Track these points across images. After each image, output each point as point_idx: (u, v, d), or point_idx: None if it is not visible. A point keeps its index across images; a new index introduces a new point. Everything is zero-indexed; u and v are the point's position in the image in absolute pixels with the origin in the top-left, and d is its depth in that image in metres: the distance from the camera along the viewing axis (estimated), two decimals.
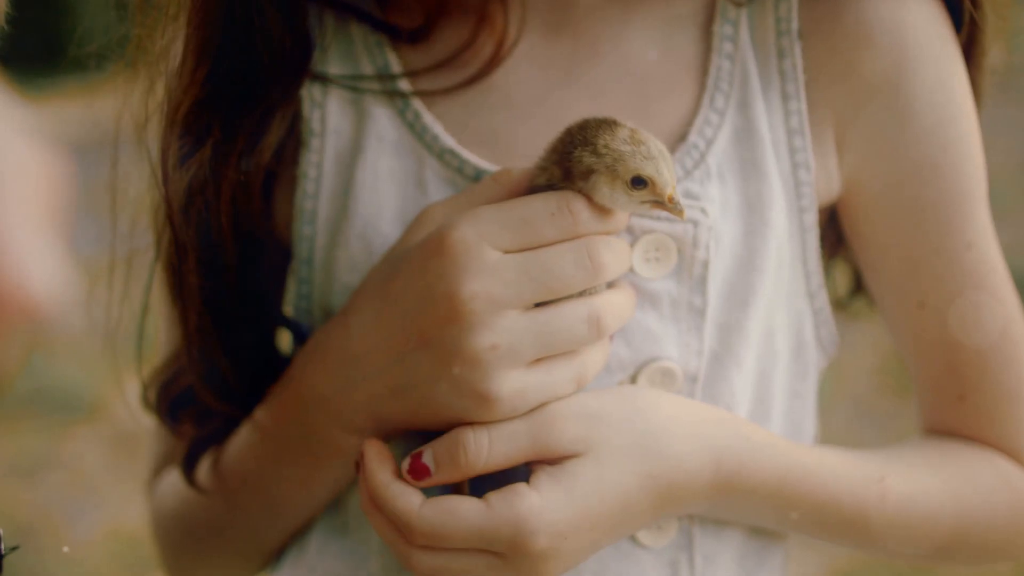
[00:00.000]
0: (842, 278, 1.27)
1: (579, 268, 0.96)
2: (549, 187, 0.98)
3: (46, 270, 0.39)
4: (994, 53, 1.16)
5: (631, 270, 1.03)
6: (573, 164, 0.97)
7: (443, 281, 0.95)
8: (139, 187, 1.16)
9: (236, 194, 1.08)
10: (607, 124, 0.98)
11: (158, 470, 1.29)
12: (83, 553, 3.39)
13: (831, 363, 1.21)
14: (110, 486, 3.66)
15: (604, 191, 0.96)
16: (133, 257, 1.20)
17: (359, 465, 1.01)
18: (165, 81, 1.11)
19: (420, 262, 0.97)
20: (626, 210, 0.98)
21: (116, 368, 1.28)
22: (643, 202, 0.97)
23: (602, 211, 0.98)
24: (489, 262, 0.94)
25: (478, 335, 0.94)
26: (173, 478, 1.24)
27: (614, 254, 0.98)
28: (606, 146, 0.96)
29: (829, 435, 1.22)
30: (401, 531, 0.98)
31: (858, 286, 1.25)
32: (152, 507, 1.28)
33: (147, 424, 1.27)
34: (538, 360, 0.97)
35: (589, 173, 0.96)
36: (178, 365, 1.17)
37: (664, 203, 0.97)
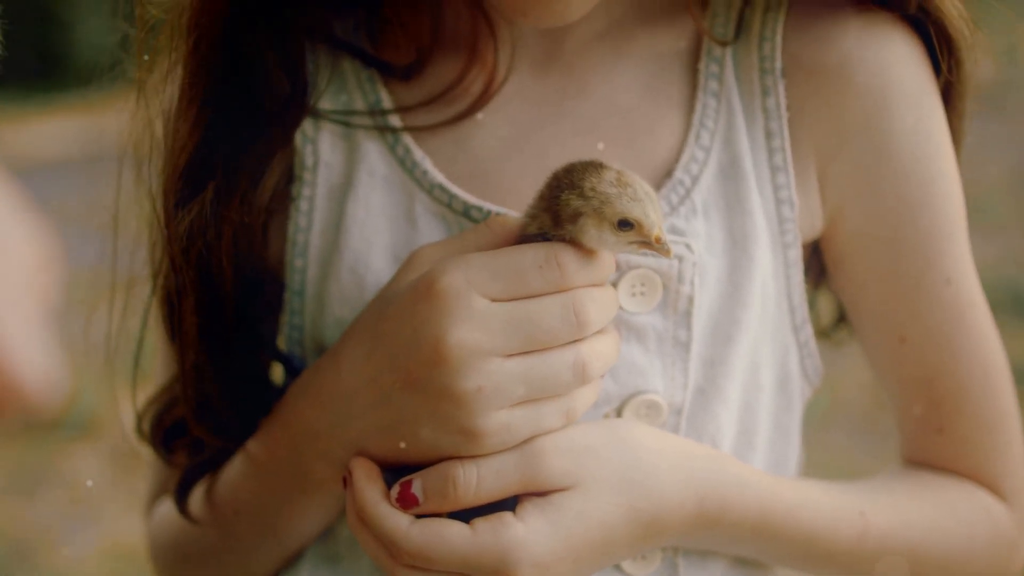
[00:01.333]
0: (826, 307, 1.29)
1: (564, 323, 0.97)
2: (540, 235, 0.99)
3: (36, 357, 0.39)
4: (985, 70, 1.18)
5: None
6: (560, 207, 0.98)
7: (430, 326, 0.96)
8: (139, 211, 1.17)
9: (237, 235, 1.09)
10: (593, 167, 0.99)
11: (155, 497, 1.30)
12: (80, 569, 3.38)
13: (826, 381, 1.22)
14: (107, 503, 3.65)
15: (592, 233, 0.97)
16: (132, 283, 1.21)
17: (346, 482, 1.03)
18: (164, 124, 1.12)
19: (410, 305, 0.98)
20: (613, 251, 1.00)
21: (113, 388, 1.29)
22: (630, 243, 0.98)
23: (590, 260, 0.99)
24: (476, 310, 0.96)
25: (464, 379, 0.95)
26: (167, 508, 1.25)
27: (599, 308, 0.99)
28: (592, 189, 0.97)
29: (825, 452, 1.23)
30: (388, 549, 0.99)
31: (842, 316, 1.27)
32: (149, 534, 1.29)
33: (143, 445, 1.27)
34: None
35: (576, 216, 0.97)
36: (171, 396, 1.18)
37: (651, 244, 0.98)
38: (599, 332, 1.00)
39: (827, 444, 1.18)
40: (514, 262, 0.97)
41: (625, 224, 0.97)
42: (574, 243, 0.98)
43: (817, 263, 1.18)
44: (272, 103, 1.09)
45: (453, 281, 0.96)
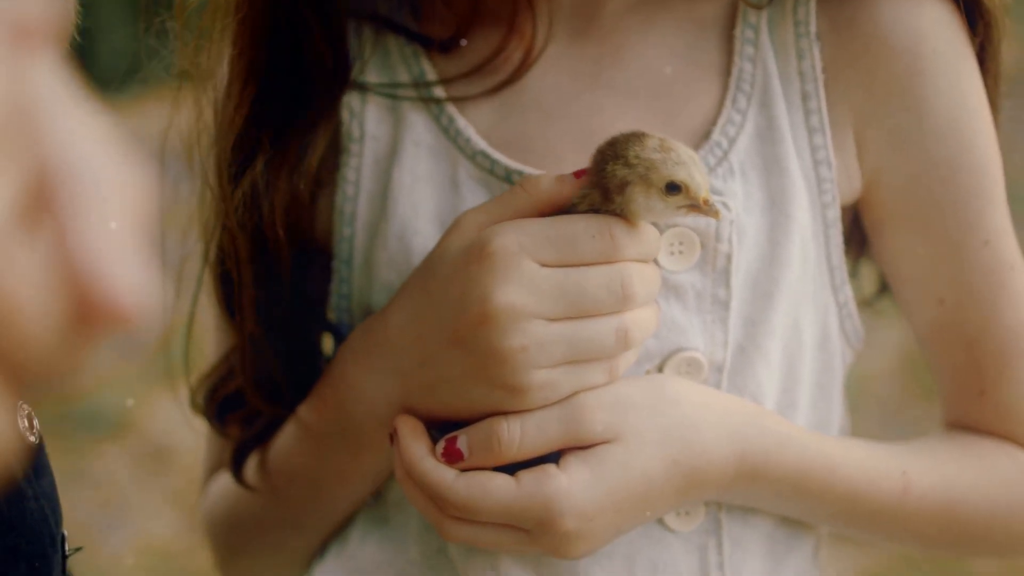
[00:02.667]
0: (869, 279, 1.29)
1: (610, 294, 0.99)
2: (592, 211, 1.02)
3: (136, 279, 0.41)
4: (1010, 57, 1.19)
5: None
6: (607, 179, 1.00)
7: (479, 285, 0.98)
8: (186, 204, 1.20)
9: (289, 205, 1.12)
10: (635, 136, 1.01)
11: (209, 475, 1.33)
12: (115, 568, 3.41)
13: (856, 366, 1.23)
14: (140, 502, 3.68)
15: (640, 200, 0.99)
16: (182, 269, 1.24)
17: (392, 438, 1.05)
18: (213, 102, 1.16)
19: (462, 266, 1.01)
20: (662, 217, 1.02)
21: (145, 387, 1.32)
22: (679, 207, 1.00)
23: (640, 235, 1.01)
24: (526, 273, 0.98)
25: (508, 337, 0.98)
26: (222, 482, 1.28)
27: (645, 284, 1.01)
28: (637, 156, 0.99)
29: (853, 435, 1.23)
30: (435, 502, 1.02)
31: (884, 287, 1.28)
32: (205, 511, 1.32)
33: (183, 437, 1.30)
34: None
35: (624, 185, 0.99)
36: (225, 370, 1.21)
37: (699, 206, 1.00)
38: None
39: (857, 432, 1.21)
40: (567, 230, 1.00)
41: (672, 188, 0.99)
42: (624, 217, 1.01)
43: (858, 234, 1.20)
44: (317, 76, 1.13)
45: (506, 244, 0.98)
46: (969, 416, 1.19)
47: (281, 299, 1.15)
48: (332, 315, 1.19)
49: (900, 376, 3.44)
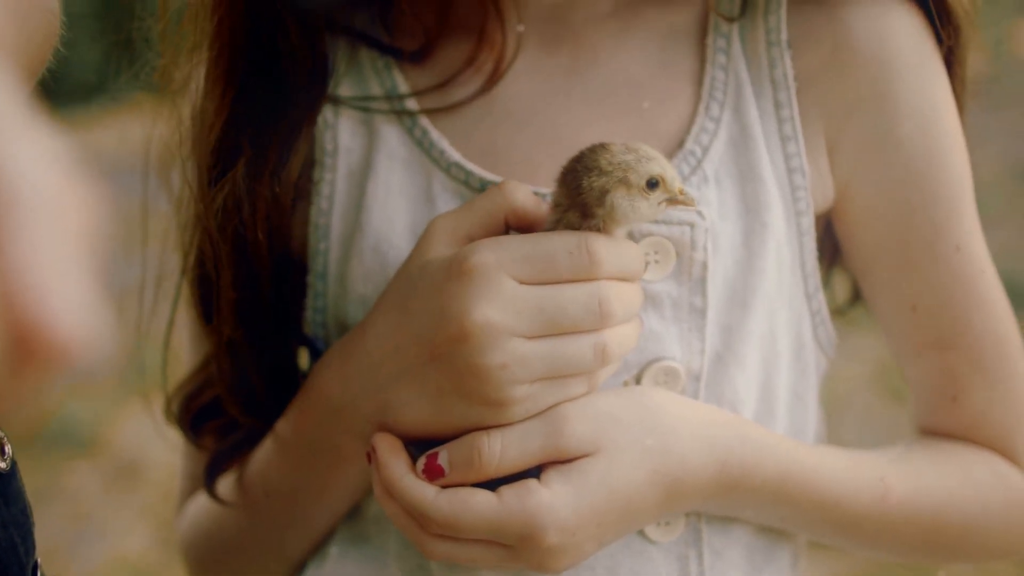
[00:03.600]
0: (841, 287, 1.30)
1: (588, 312, 0.99)
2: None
3: (78, 307, 0.39)
4: (977, 62, 1.20)
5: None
6: (586, 194, 0.99)
7: (457, 302, 0.98)
8: (163, 216, 1.19)
9: (270, 209, 1.12)
10: (600, 146, 1.01)
11: (186, 496, 1.32)
12: None
13: (831, 372, 1.23)
14: (111, 517, 3.65)
15: (623, 205, 0.99)
16: (160, 281, 1.23)
17: (370, 457, 1.05)
18: (192, 107, 1.15)
19: (440, 282, 1.00)
20: (647, 217, 1.02)
21: (115, 403, 1.31)
22: (659, 203, 1.00)
23: (621, 250, 1.01)
24: (504, 290, 0.98)
25: (487, 355, 0.97)
26: (200, 501, 1.27)
27: (624, 302, 1.01)
28: (609, 163, 0.99)
29: (829, 443, 1.24)
30: (416, 519, 1.01)
31: (857, 296, 1.28)
32: (181, 531, 1.31)
33: (154, 452, 1.29)
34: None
35: (604, 194, 0.99)
36: (201, 379, 1.20)
37: (677, 197, 1.00)
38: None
39: (833, 439, 1.21)
40: (545, 247, 0.99)
41: (652, 184, 0.99)
42: (607, 229, 1.00)
43: (830, 243, 1.20)
44: (296, 78, 1.12)
45: (484, 261, 0.98)
46: (942, 421, 1.19)
47: (259, 304, 1.14)
48: (308, 330, 1.18)
49: (873, 383, 3.46)
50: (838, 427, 1.25)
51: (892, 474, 1.13)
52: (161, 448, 1.36)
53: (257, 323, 1.15)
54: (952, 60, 1.16)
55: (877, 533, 1.13)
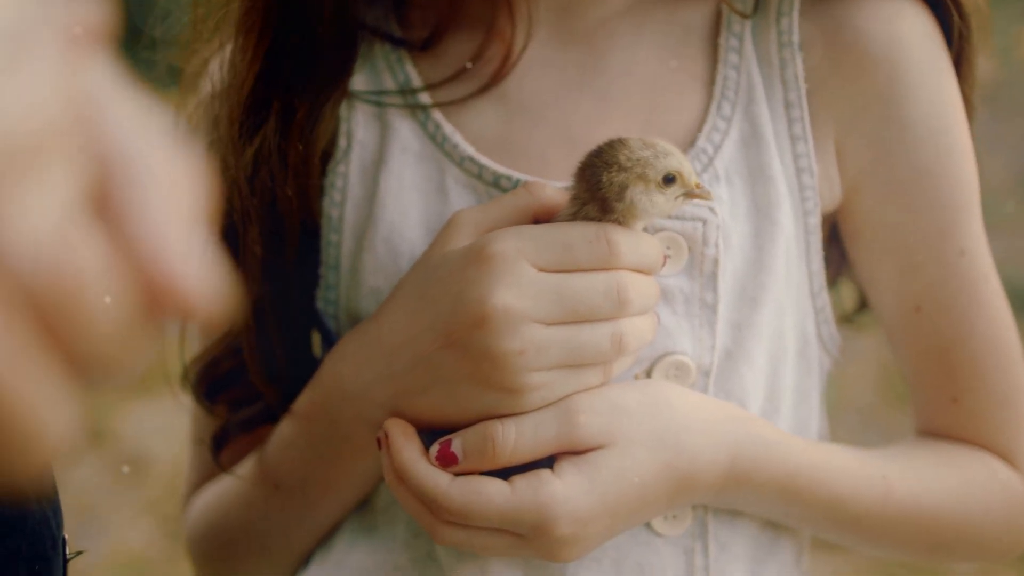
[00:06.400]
0: (849, 297, 1.31)
1: (606, 299, 1.00)
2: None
3: (199, 269, 0.42)
4: (985, 68, 1.20)
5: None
6: (606, 189, 1.01)
7: (476, 287, 0.99)
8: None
9: (298, 167, 1.13)
10: (618, 142, 1.03)
11: (193, 489, 1.32)
12: None
13: (832, 373, 1.24)
14: (115, 511, 3.67)
15: (642, 200, 1.01)
16: None
17: (381, 442, 1.05)
18: (220, 67, 1.17)
19: (459, 268, 1.01)
20: (665, 211, 1.03)
21: (117, 399, 1.31)
22: (676, 197, 1.02)
23: (639, 242, 1.02)
24: (524, 276, 0.99)
25: (505, 340, 0.98)
26: (208, 493, 1.28)
27: (640, 293, 1.02)
28: (628, 159, 1.01)
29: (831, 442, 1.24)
30: (427, 506, 1.02)
31: (863, 304, 1.29)
32: (188, 524, 1.32)
33: (158, 446, 1.29)
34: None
35: (623, 189, 1.00)
36: (223, 347, 1.21)
37: (694, 191, 1.02)
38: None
39: (833, 440, 1.22)
40: (565, 235, 1.01)
41: (669, 179, 1.01)
42: (626, 223, 1.02)
43: (836, 251, 1.21)
44: (325, 36, 1.13)
45: (504, 248, 0.99)
46: (942, 423, 1.21)
47: (284, 266, 1.15)
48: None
49: (872, 385, 3.46)
50: (838, 428, 1.26)
51: (894, 473, 1.14)
52: (166, 442, 1.36)
53: (281, 285, 1.15)
54: (962, 62, 1.17)
55: (879, 531, 1.15)
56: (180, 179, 0.43)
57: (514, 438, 1.00)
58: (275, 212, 1.13)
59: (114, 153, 0.42)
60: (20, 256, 0.38)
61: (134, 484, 3.70)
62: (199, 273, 0.42)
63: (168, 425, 1.27)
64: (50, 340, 0.39)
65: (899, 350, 1.21)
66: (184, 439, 1.33)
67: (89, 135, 0.41)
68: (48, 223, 0.39)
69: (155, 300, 0.42)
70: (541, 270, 0.99)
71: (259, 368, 1.17)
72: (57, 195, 0.39)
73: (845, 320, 1.29)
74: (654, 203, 1.01)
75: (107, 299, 0.40)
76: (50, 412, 0.40)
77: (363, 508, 1.18)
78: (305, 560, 1.22)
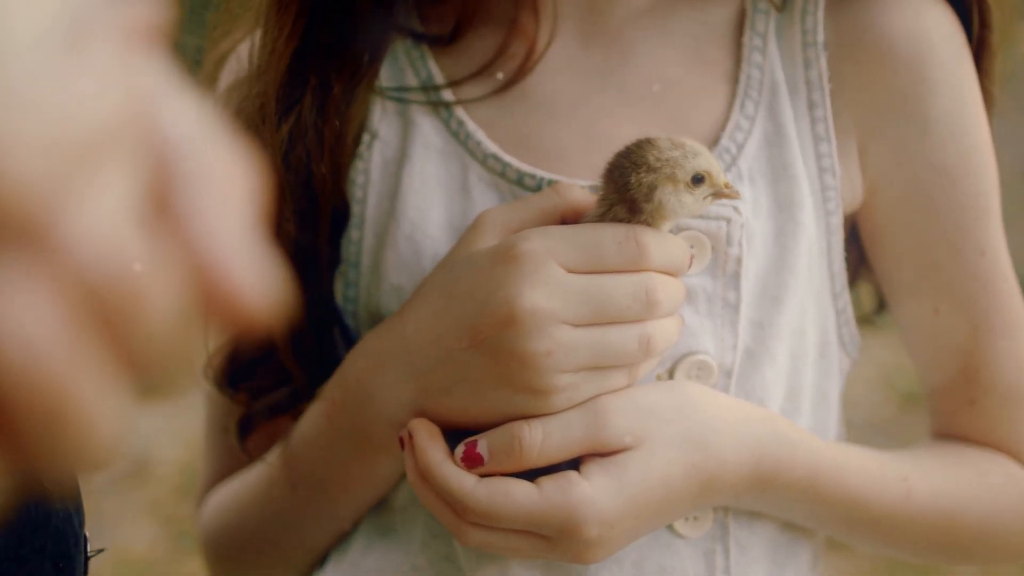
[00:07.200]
0: (867, 299, 1.30)
1: (635, 301, 0.99)
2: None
3: (258, 272, 0.42)
4: (999, 62, 1.20)
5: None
6: (634, 190, 1.00)
7: (505, 287, 0.98)
8: None
9: (333, 146, 1.12)
10: (647, 142, 1.02)
11: (208, 487, 1.32)
12: None
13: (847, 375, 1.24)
14: (118, 512, 3.67)
15: (671, 201, 1.00)
16: None
17: (404, 442, 1.04)
18: (251, 47, 1.16)
19: (487, 268, 1.00)
20: (693, 211, 1.02)
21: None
22: (705, 197, 1.01)
23: (667, 244, 1.01)
24: (553, 277, 0.98)
25: (533, 341, 0.97)
26: (222, 492, 1.27)
27: (669, 295, 1.01)
28: (657, 159, 1.00)
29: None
30: (452, 507, 1.01)
31: (881, 306, 1.29)
32: (202, 522, 1.31)
33: (161, 448, 1.29)
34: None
35: (652, 190, 1.00)
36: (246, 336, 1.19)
37: (722, 191, 1.01)
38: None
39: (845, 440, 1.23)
40: (594, 236, 1.00)
41: (697, 179, 1.00)
42: (655, 223, 1.01)
43: (855, 253, 1.21)
44: (360, 17, 1.13)
45: (533, 248, 0.98)
46: (958, 425, 1.20)
47: (315, 248, 1.14)
48: None
49: (880, 387, 3.46)
50: (847, 429, 1.26)
51: (914, 475, 1.14)
52: (169, 444, 1.36)
53: (312, 267, 1.14)
54: (982, 54, 1.17)
55: (898, 532, 1.14)
56: (237, 178, 0.42)
57: (541, 439, 1.00)
58: (309, 190, 1.12)
59: (172, 151, 0.41)
60: (80, 254, 0.37)
61: (137, 485, 3.70)
62: (257, 277, 0.41)
63: (171, 427, 1.27)
64: (107, 339, 0.39)
65: (916, 352, 1.21)
66: (185, 440, 1.33)
67: (147, 133, 0.41)
68: (108, 221, 0.38)
69: (212, 302, 0.41)
70: (570, 271, 0.98)
71: (290, 349, 1.16)
72: (116, 194, 0.39)
73: (864, 321, 1.28)
74: (683, 203, 1.01)
75: (165, 299, 0.40)
76: (104, 413, 0.40)
77: (380, 508, 1.17)
78: (321, 560, 1.22)
